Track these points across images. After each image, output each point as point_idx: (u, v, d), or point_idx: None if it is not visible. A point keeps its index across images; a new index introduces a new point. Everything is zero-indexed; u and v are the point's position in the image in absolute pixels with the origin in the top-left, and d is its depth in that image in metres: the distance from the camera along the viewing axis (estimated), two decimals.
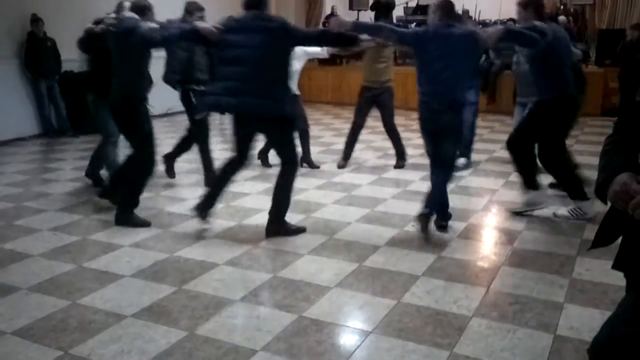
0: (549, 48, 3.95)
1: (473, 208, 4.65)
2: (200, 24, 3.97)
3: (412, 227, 4.18)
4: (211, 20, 4.36)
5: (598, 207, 4.16)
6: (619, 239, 1.61)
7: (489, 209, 4.69)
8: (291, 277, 3.33)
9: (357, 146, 7.22)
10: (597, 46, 10.45)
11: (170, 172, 5.45)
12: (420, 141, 7.37)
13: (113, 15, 4.38)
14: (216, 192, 4.05)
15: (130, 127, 4.19)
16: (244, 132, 3.93)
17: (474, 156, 6.66)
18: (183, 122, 5.65)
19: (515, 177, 5.64)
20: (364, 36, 5.37)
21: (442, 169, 4.00)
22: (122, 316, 2.87)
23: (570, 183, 4.36)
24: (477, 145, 7.40)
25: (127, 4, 4.25)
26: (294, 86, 5.31)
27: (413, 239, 3.95)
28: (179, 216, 4.47)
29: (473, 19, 11.63)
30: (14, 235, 4.06)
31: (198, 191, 5.12)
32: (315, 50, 5.50)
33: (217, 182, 4.09)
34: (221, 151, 5.89)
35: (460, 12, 11.56)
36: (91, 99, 4.93)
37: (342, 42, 4.18)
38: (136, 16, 4.04)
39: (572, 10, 11.56)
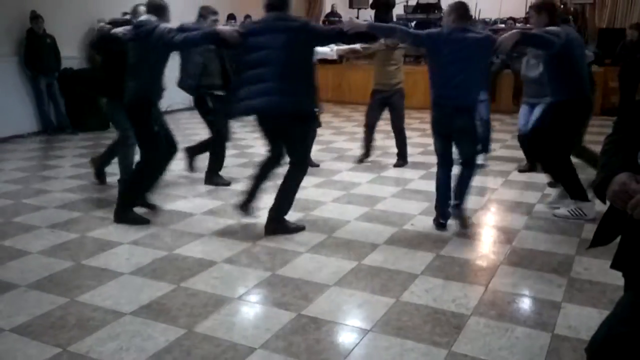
0: (563, 50, 3.97)
1: (472, 207, 4.65)
2: (220, 27, 3.98)
3: (411, 226, 4.19)
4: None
5: (597, 207, 4.17)
6: (618, 239, 1.61)
7: (488, 207, 4.69)
8: (290, 275, 3.33)
9: (356, 144, 7.25)
10: (597, 46, 10.45)
11: (191, 167, 5.47)
12: (419, 140, 7.43)
13: (128, 16, 4.36)
14: (254, 189, 4.10)
15: (139, 129, 4.17)
16: (272, 132, 3.97)
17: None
18: (183, 119, 5.66)
19: (514, 175, 5.67)
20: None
21: (465, 169, 4.04)
22: (120, 314, 2.87)
23: (571, 183, 4.36)
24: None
25: (143, 9, 4.23)
26: None
27: (412, 237, 3.96)
28: (178, 214, 4.47)
29: (474, 18, 11.63)
30: (12, 233, 4.06)
31: (197, 189, 5.14)
32: (325, 50, 5.53)
33: (255, 180, 4.11)
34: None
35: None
36: (105, 101, 4.84)
37: (363, 38, 4.26)
38: (153, 18, 4.00)
39: (572, 9, 11.56)
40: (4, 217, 4.41)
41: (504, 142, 7.36)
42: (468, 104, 3.89)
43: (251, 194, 4.10)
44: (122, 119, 4.53)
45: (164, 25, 3.93)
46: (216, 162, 5.32)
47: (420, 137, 7.68)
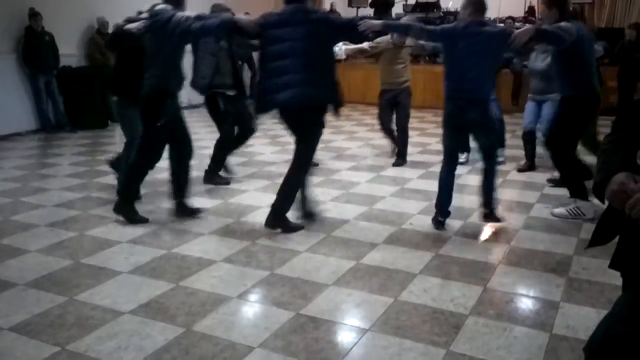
0: (573, 46, 4.02)
1: (471, 206, 4.65)
2: (239, 16, 3.95)
3: (410, 225, 4.19)
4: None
5: (596, 208, 4.17)
6: (616, 238, 1.61)
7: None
8: (289, 274, 3.33)
9: (355, 143, 7.26)
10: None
11: (226, 169, 5.47)
12: (418, 139, 7.43)
13: (145, 14, 4.34)
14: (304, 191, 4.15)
15: (149, 121, 4.11)
16: (295, 124, 3.98)
17: (473, 155, 6.67)
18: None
19: (513, 175, 5.68)
20: (382, 38, 5.44)
21: (487, 162, 4.07)
22: (119, 312, 2.87)
23: (573, 181, 4.39)
24: (474, 144, 7.41)
25: (161, 7, 4.22)
26: None
27: (411, 236, 3.96)
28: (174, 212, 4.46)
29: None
30: (11, 231, 4.05)
31: (196, 188, 5.13)
32: (334, 50, 5.55)
33: (291, 186, 4.11)
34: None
35: (459, 9, 11.62)
36: (115, 100, 4.72)
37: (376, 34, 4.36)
38: (169, 7, 3.97)
39: (571, 9, 11.55)
40: (3, 215, 4.40)
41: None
42: (482, 97, 3.92)
43: (282, 203, 4.09)
44: (133, 118, 4.51)
45: (181, 14, 3.92)
46: (219, 162, 5.32)
47: (420, 137, 7.68)
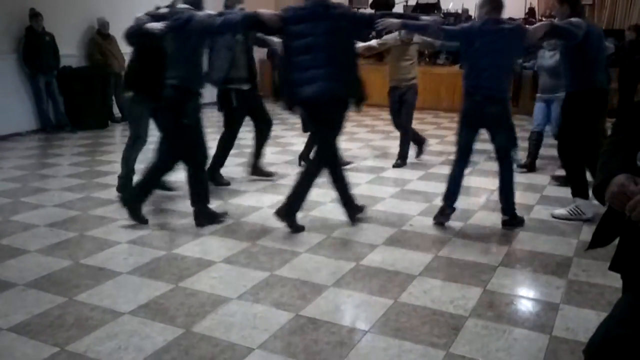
0: (582, 42, 4.08)
1: (471, 208, 4.65)
2: (261, 10, 3.96)
3: (410, 227, 4.19)
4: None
5: (596, 209, 4.17)
6: (616, 240, 1.61)
7: (487, 208, 4.68)
8: (288, 275, 3.33)
9: (355, 145, 7.25)
10: None
11: (261, 171, 5.49)
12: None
13: (165, 10, 4.32)
14: (343, 194, 4.15)
15: (174, 120, 4.06)
16: (318, 119, 3.98)
17: (473, 156, 6.66)
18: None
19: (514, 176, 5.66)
20: (390, 35, 5.44)
21: (503, 164, 4.11)
22: (118, 313, 2.86)
23: (576, 179, 4.43)
24: (476, 145, 7.40)
25: (181, 6, 4.21)
26: None
27: (411, 238, 3.96)
28: (176, 213, 4.46)
29: (473, 18, 11.63)
30: (10, 231, 4.05)
31: None
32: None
33: (335, 188, 4.14)
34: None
35: (459, 10, 11.60)
36: (129, 95, 4.64)
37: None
38: (189, 7, 3.97)
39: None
40: (3, 215, 4.40)
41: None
42: (501, 94, 3.96)
43: (346, 198, 4.14)
44: (142, 116, 4.50)
45: (202, 12, 3.92)
46: (220, 159, 5.32)
47: None
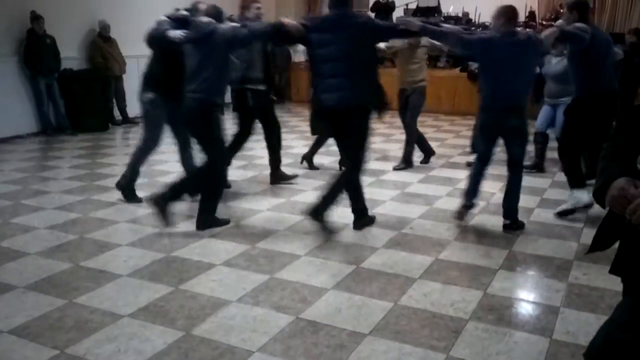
0: (588, 47, 4.17)
1: (470, 211, 4.64)
2: (285, 20, 3.99)
3: (410, 230, 4.18)
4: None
5: (596, 210, 4.17)
6: (617, 244, 1.61)
7: (487, 211, 4.68)
8: (288, 278, 3.33)
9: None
10: None
11: (282, 177, 5.51)
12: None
13: (184, 12, 4.31)
14: (356, 201, 4.15)
15: (204, 134, 4.06)
16: (342, 128, 4.01)
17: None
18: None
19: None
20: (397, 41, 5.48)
21: (513, 171, 4.14)
22: (118, 316, 2.86)
23: (573, 172, 4.53)
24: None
25: (202, 6, 4.19)
26: None
27: (410, 241, 3.96)
28: (177, 216, 4.45)
29: (473, 21, 11.64)
30: (10, 233, 4.05)
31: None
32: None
33: (349, 194, 4.14)
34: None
35: (459, 14, 11.62)
36: (149, 97, 4.56)
37: (407, 35, 4.49)
38: (213, 20, 3.96)
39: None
40: (3, 218, 4.40)
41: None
42: (520, 104, 4.01)
43: (358, 203, 4.15)
44: (157, 121, 4.49)
45: (226, 25, 3.95)
46: (275, 154, 5.37)
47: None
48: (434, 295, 3.11)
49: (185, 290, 3.17)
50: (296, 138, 7.73)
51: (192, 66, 3.99)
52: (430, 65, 10.62)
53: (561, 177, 5.74)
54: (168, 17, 4.39)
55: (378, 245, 3.86)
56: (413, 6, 12.34)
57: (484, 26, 10.52)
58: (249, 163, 6.26)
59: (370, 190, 5.25)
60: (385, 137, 7.96)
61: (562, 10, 11.51)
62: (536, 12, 12.03)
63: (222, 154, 4.21)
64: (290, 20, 3.98)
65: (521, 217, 4.29)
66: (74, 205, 4.73)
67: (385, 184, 5.52)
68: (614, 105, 4.47)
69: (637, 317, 1.50)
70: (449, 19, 11.20)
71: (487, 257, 3.71)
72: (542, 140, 5.91)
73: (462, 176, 5.80)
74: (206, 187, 4.21)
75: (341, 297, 3.10)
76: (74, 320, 2.81)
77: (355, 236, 4.04)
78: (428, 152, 6.36)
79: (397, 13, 12.57)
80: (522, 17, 11.44)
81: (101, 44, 8.72)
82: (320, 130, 5.70)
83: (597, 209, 3.69)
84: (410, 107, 6.01)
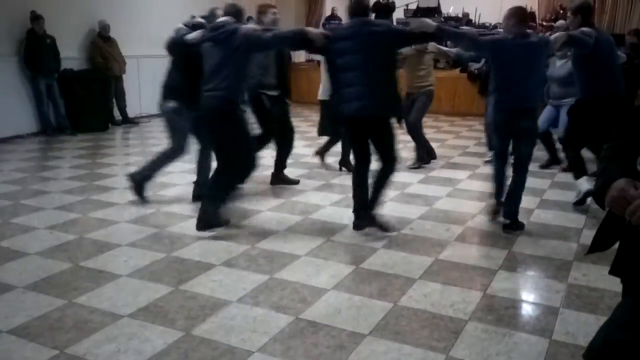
0: (592, 50, 4.26)
1: (470, 211, 4.66)
2: (309, 28, 4.01)
3: (410, 230, 4.19)
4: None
5: (596, 211, 4.17)
6: (616, 245, 1.61)
7: (486, 212, 4.68)
8: (288, 278, 3.33)
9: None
10: None
11: (284, 180, 5.51)
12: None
13: (200, 19, 4.30)
14: (362, 201, 4.14)
15: (229, 132, 3.99)
16: (361, 135, 4.04)
17: (474, 160, 6.69)
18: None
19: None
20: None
21: (518, 171, 4.17)
22: (118, 316, 2.86)
23: (576, 166, 4.71)
24: (475, 149, 7.43)
25: (219, 12, 4.18)
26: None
27: (411, 241, 3.96)
28: (176, 216, 4.46)
29: (473, 22, 11.66)
30: (10, 233, 4.05)
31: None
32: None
33: (356, 192, 4.15)
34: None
35: (460, 15, 11.64)
36: (171, 106, 4.51)
37: (425, 39, 4.56)
38: (232, 20, 3.94)
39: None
40: (3, 217, 4.40)
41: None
42: (532, 105, 4.07)
43: (363, 207, 4.14)
44: (181, 127, 4.47)
45: (248, 26, 3.94)
46: (284, 158, 5.38)
47: None
48: (433, 296, 3.11)
49: (185, 290, 3.17)
50: (296, 138, 7.71)
51: (211, 65, 3.94)
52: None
53: (561, 178, 5.77)
54: (185, 24, 4.38)
55: (378, 245, 3.86)
56: (413, 7, 12.36)
57: (484, 27, 10.54)
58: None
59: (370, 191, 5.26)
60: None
61: (561, 12, 11.56)
62: (536, 13, 12.05)
63: (252, 148, 4.18)
64: (313, 29, 4.02)
65: (521, 217, 4.29)
66: (73, 205, 4.73)
67: None
68: (617, 107, 4.53)
69: (636, 317, 1.50)
70: (449, 19, 11.22)
71: (487, 257, 3.72)
72: (547, 138, 6.03)
73: (463, 177, 5.82)
74: (230, 180, 4.16)
75: (341, 297, 3.10)
76: (73, 321, 2.81)
77: (354, 236, 4.04)
78: (430, 156, 6.38)
79: (398, 14, 12.60)
80: None
81: (101, 44, 8.73)
82: (329, 132, 5.74)
83: (597, 209, 3.70)
84: (415, 108, 6.03)
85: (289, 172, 5.59)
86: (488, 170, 6.11)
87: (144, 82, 9.55)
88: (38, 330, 2.72)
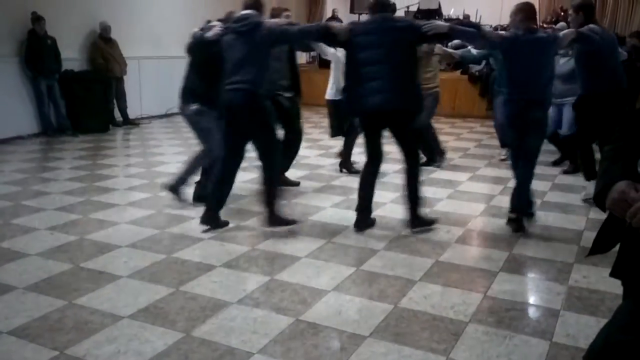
0: (595, 47, 4.33)
1: (471, 213, 4.65)
2: (332, 23, 4.03)
3: (411, 232, 4.18)
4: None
5: (596, 213, 4.17)
6: (617, 247, 1.61)
7: (487, 214, 4.69)
8: (288, 280, 3.33)
9: (356, 149, 7.24)
10: None
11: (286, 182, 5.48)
12: None
13: (215, 23, 4.29)
14: (368, 200, 4.19)
15: (256, 124, 4.01)
16: (377, 132, 4.10)
17: (474, 162, 6.69)
18: (180, 123, 5.64)
19: (513, 183, 5.67)
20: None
21: (526, 164, 4.18)
22: (118, 317, 2.86)
23: (587, 166, 4.81)
24: (476, 151, 7.43)
25: (236, 16, 4.18)
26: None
27: (411, 243, 3.95)
28: (177, 217, 4.46)
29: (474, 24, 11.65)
30: (11, 234, 4.05)
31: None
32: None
33: (363, 191, 4.18)
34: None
35: (460, 16, 11.64)
36: (193, 108, 4.47)
37: (439, 39, 4.59)
38: (254, 12, 3.93)
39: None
40: (3, 218, 4.40)
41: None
42: (543, 98, 4.10)
43: (367, 208, 4.20)
44: (207, 128, 4.45)
45: (270, 20, 3.98)
46: (290, 160, 5.40)
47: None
48: (434, 298, 3.11)
49: (185, 291, 3.16)
50: None
51: (234, 58, 3.92)
52: None
53: (562, 180, 5.77)
54: (201, 29, 4.38)
55: (378, 247, 3.86)
56: (414, 8, 12.37)
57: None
58: (249, 165, 6.25)
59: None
60: (385, 139, 7.95)
61: (562, 14, 11.55)
62: (537, 15, 12.06)
63: (278, 142, 4.21)
64: (336, 24, 4.07)
65: None
66: (74, 206, 4.73)
67: (385, 186, 5.51)
68: (619, 102, 4.61)
69: (637, 320, 1.50)
70: (449, 21, 11.22)
71: (488, 259, 3.71)
72: (556, 139, 6.09)
73: (463, 179, 5.82)
74: (272, 178, 4.19)
75: (341, 299, 3.10)
76: (73, 321, 2.81)
77: (355, 238, 4.04)
78: (439, 154, 6.40)
79: (398, 14, 12.60)
80: None
81: (102, 45, 8.73)
82: (342, 132, 5.75)
83: (597, 212, 3.70)
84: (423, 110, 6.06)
85: (289, 173, 5.59)
86: (488, 172, 6.13)
87: (145, 84, 9.56)
88: (38, 331, 2.72)
